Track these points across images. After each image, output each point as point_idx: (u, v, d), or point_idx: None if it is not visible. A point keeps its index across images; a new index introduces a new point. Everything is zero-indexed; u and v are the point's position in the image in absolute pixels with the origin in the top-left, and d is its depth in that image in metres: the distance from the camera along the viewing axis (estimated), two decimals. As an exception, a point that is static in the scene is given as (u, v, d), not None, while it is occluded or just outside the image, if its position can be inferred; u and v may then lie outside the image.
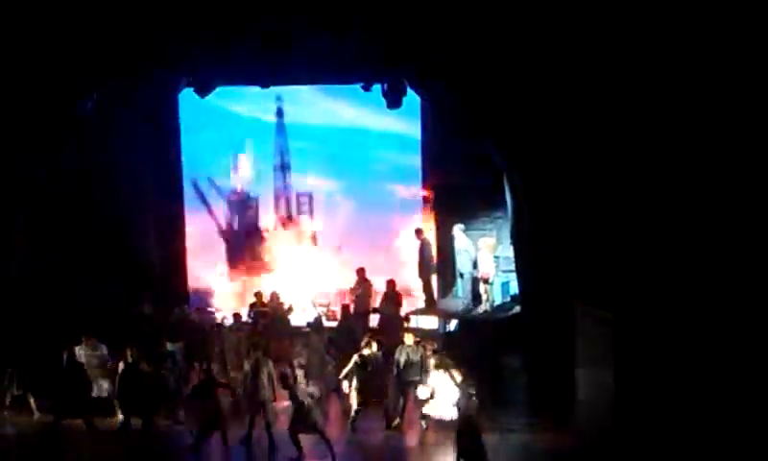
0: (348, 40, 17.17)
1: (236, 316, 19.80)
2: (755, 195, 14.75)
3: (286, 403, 15.70)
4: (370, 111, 21.44)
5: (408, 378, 16.48)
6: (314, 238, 23.27)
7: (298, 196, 23.20)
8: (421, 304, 21.38)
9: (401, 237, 22.11)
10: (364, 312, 20.20)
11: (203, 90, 20.03)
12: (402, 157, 22.04)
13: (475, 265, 20.06)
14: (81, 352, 16.97)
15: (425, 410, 16.18)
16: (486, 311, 19.90)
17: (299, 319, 20.01)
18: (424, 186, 21.92)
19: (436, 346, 17.03)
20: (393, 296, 20.13)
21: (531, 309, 18.01)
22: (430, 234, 21.51)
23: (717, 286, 14.52)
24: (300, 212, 23.23)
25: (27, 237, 18.84)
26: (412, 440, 16.38)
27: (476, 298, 20.30)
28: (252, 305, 20.06)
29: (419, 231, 21.35)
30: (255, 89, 21.00)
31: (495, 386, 17.21)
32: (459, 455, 13.67)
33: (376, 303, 20.43)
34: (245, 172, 23.23)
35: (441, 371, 15.50)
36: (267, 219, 23.54)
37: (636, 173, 15.78)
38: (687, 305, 14.40)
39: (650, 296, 14.84)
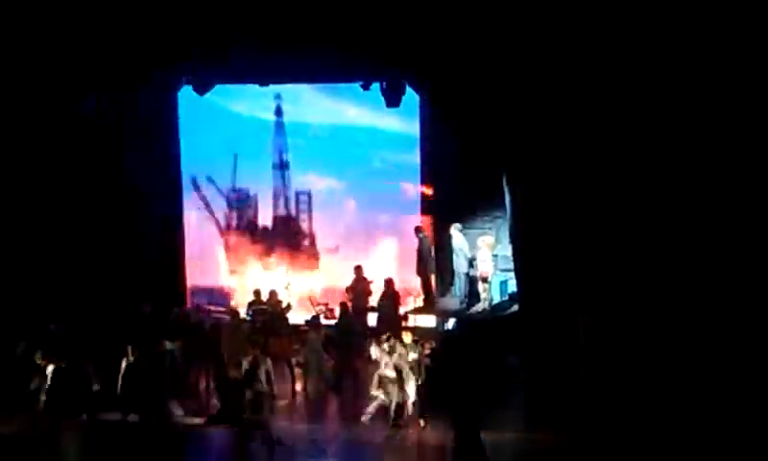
0: (348, 40, 17.19)
1: (234, 314, 19.82)
2: (745, 208, 14.89)
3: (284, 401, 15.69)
4: (369, 110, 21.45)
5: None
6: (312, 237, 23.26)
7: (297, 194, 23.20)
8: (420, 303, 21.41)
9: (400, 235, 22.13)
10: (362, 311, 20.23)
11: (202, 88, 20.07)
12: (401, 155, 22.03)
13: (471, 264, 20.07)
14: None
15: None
16: (484, 310, 19.93)
17: (297, 317, 20.02)
18: (423, 185, 21.95)
19: (434, 345, 17.03)
20: (391, 294, 20.16)
21: (530, 308, 18.03)
22: (429, 233, 21.52)
23: (717, 286, 14.63)
24: (299, 211, 23.22)
25: (26, 237, 18.86)
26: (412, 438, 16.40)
27: (472, 297, 20.35)
28: (250, 303, 20.05)
29: (418, 229, 21.36)
30: (254, 88, 21.03)
31: (494, 385, 17.20)
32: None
33: (374, 301, 20.42)
34: (244, 171, 23.21)
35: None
36: (266, 217, 23.55)
37: (636, 173, 15.84)
38: (687, 305, 14.47)
39: (650, 296, 14.91)
